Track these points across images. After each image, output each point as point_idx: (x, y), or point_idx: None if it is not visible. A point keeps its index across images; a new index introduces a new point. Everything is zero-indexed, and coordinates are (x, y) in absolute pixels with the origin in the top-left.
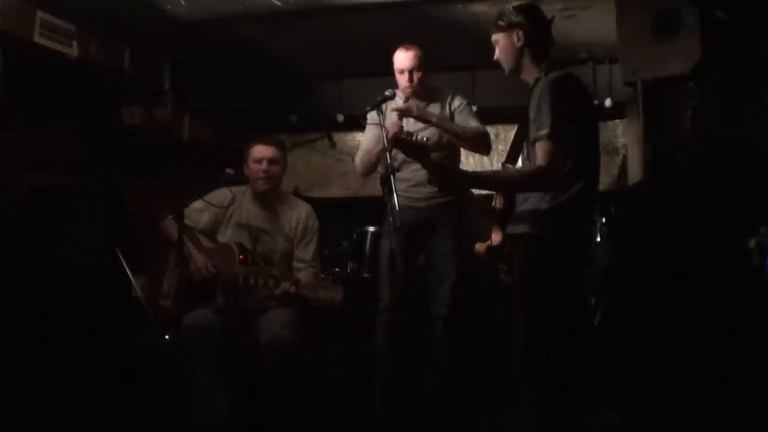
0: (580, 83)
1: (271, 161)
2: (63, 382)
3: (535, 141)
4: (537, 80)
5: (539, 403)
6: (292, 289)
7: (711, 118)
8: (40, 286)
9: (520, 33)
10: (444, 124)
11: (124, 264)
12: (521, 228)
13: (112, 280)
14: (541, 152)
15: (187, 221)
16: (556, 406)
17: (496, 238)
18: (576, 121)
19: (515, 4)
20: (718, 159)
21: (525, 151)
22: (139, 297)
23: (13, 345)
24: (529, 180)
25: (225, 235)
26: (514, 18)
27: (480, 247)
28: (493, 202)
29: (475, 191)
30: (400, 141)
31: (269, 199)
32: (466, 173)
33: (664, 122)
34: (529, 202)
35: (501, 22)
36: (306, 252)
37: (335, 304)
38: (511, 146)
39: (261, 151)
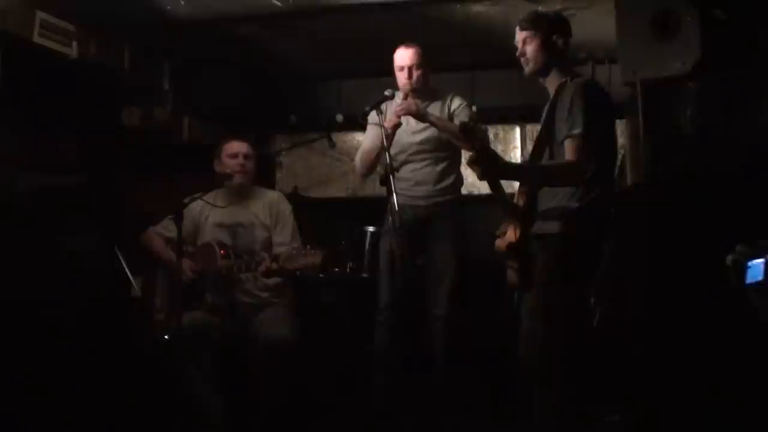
0: (605, 90)
1: (246, 156)
2: (62, 382)
3: (566, 138)
4: (562, 85)
5: (558, 404)
6: (273, 265)
7: (710, 118)
8: (40, 286)
9: (545, 39)
10: (443, 125)
11: (124, 264)
12: (550, 227)
13: (111, 280)
14: (571, 148)
15: (166, 233)
16: (574, 407)
17: (515, 234)
18: (603, 126)
19: (544, 11)
20: (717, 159)
21: (547, 152)
22: (139, 297)
23: (12, 345)
24: (564, 173)
25: (204, 239)
26: (541, 24)
27: (500, 243)
28: (516, 200)
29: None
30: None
31: (240, 194)
32: (508, 164)
33: (664, 122)
34: (555, 200)
35: (527, 24)
36: (283, 235)
37: (317, 268)
38: (535, 146)
39: (236, 146)
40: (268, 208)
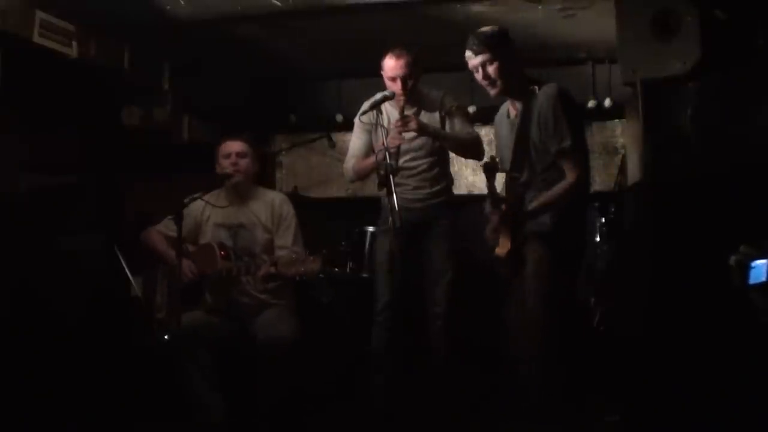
0: (569, 93)
1: (239, 155)
2: (62, 382)
3: (560, 153)
4: (531, 93)
5: (546, 401)
6: (272, 269)
7: (710, 118)
8: (40, 286)
9: (495, 63)
10: (439, 134)
11: (124, 264)
12: (530, 226)
13: (111, 280)
14: (570, 163)
15: (167, 231)
16: (563, 405)
17: (507, 241)
18: (581, 129)
19: (482, 34)
20: (718, 159)
21: (528, 162)
22: (139, 297)
23: (13, 344)
24: (573, 193)
25: (205, 238)
26: (485, 50)
27: (500, 251)
28: (503, 206)
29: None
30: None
31: (242, 194)
32: (527, 211)
33: (664, 122)
34: (534, 201)
35: (482, 47)
36: (285, 238)
37: (316, 274)
38: (513, 158)
39: (229, 146)
40: (270, 209)
